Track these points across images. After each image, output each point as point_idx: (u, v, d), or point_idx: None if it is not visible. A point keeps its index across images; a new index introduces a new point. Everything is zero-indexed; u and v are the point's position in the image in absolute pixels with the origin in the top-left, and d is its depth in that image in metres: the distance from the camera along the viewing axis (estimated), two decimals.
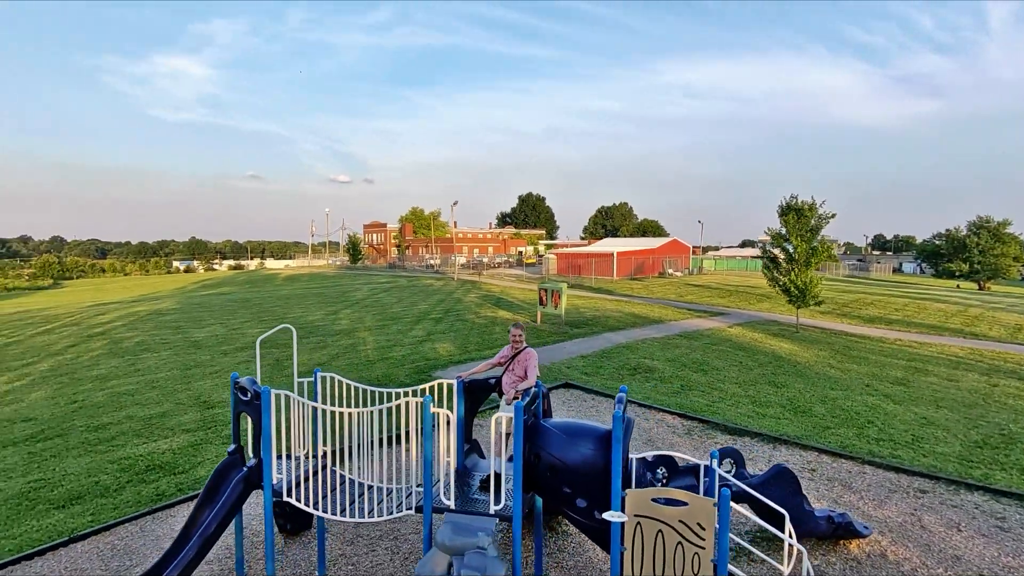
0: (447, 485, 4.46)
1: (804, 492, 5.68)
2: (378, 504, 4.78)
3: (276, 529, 5.76)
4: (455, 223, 59.48)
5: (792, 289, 18.95)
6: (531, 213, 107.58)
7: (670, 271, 44.13)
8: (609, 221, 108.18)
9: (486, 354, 14.60)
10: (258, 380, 5.14)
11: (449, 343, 16.07)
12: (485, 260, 52.78)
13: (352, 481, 5.08)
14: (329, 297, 28.43)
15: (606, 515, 3.91)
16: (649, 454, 5.19)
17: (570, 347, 15.39)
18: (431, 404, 4.30)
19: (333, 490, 4.93)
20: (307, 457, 5.21)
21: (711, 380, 12.18)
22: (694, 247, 53.31)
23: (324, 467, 5.16)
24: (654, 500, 3.85)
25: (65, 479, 7.33)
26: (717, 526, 3.70)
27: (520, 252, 62.49)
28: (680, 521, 3.86)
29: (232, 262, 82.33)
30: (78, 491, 6.95)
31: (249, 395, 4.82)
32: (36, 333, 19.82)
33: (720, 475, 4.62)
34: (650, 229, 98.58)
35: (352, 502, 4.81)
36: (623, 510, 3.89)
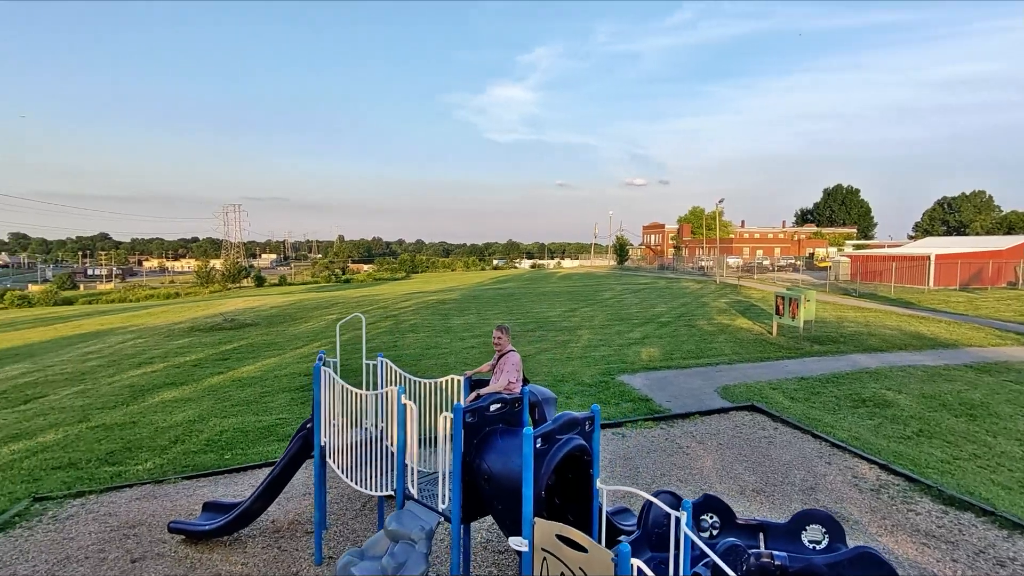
0: (416, 473, 4.57)
1: None
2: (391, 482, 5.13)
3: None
4: (743, 222, 54.86)
5: None
6: (838, 209, 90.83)
7: None
8: (953, 216, 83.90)
9: (690, 362, 13.53)
10: (337, 358, 6.19)
11: (658, 348, 15.33)
12: (766, 262, 47.17)
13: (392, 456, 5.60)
14: (578, 295, 29.85)
15: (510, 541, 3.57)
16: (660, 492, 4.37)
17: (793, 366, 12.97)
18: (402, 396, 4.53)
19: (368, 462, 5.47)
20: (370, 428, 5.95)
21: (974, 430, 8.82)
22: None
23: (377, 439, 5.81)
24: (559, 537, 3.35)
25: None
26: None
27: (810, 253, 53.56)
28: (580, 569, 3.29)
29: (531, 261, 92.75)
30: None
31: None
32: (352, 311, 26.32)
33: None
34: (1019, 224, 72.38)
35: (383, 475, 5.30)
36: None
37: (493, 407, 4.27)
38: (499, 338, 5.47)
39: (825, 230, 78.95)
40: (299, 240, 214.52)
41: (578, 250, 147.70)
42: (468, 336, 17.81)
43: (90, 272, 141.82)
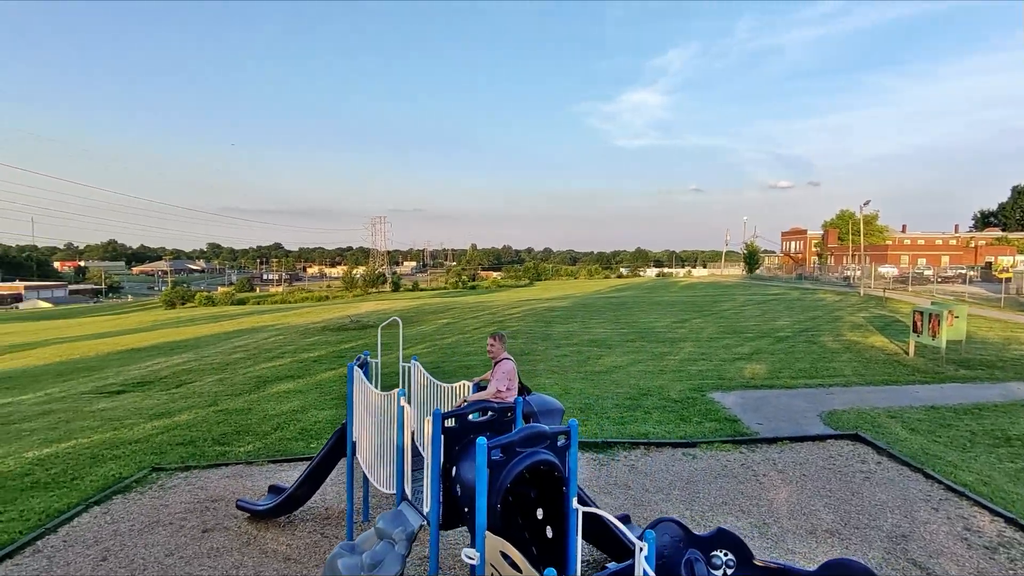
0: (411, 475, 4.63)
1: None
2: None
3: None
4: (904, 227, 48.02)
5: None
6: None
7: None
8: None
9: (798, 382, 12.22)
10: (379, 359, 6.53)
11: (765, 365, 13.99)
12: (928, 272, 40.61)
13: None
14: (694, 306, 28.16)
15: (463, 552, 3.49)
16: (662, 520, 3.99)
17: (925, 393, 11.09)
18: (402, 398, 4.64)
19: (387, 462, 5.62)
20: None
21: None
22: None
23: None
24: (503, 554, 3.22)
25: None
26: None
27: (989, 262, 44.71)
28: None
29: (658, 270, 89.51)
30: None
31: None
32: (464, 316, 27.31)
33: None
34: None
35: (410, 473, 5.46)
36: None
37: (481, 415, 4.23)
38: (491, 346, 5.40)
39: (1014, 235, 66.16)
40: (436, 248, 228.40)
41: (711, 258, 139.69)
42: (564, 344, 17.68)
43: (264, 277, 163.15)
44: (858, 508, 6.53)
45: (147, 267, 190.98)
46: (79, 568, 5.51)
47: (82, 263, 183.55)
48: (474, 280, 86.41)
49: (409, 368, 6.33)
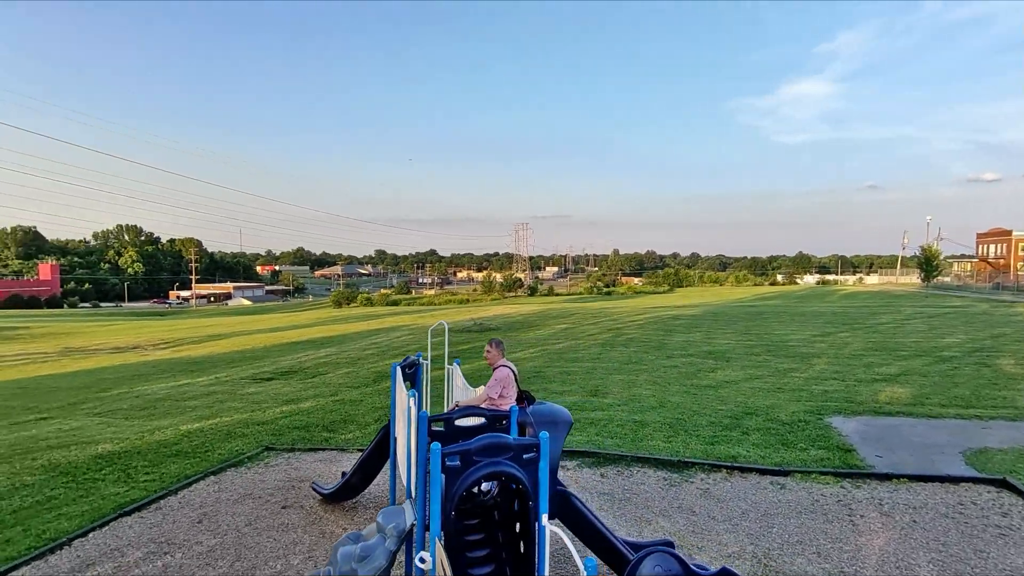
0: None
1: None
2: None
3: None
4: None
5: None
6: None
7: None
8: None
9: (947, 411, 10.29)
10: (429, 359, 6.80)
11: (911, 388, 11.95)
12: None
13: None
14: (845, 318, 24.77)
15: (416, 556, 3.50)
16: (657, 547, 3.63)
17: None
18: (410, 399, 4.76)
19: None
20: None
21: None
22: None
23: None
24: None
25: None
26: None
27: None
28: None
29: (818, 277, 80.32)
30: None
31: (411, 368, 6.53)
32: (583, 322, 26.96)
33: None
34: None
35: None
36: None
37: (473, 421, 4.23)
38: (488, 352, 5.35)
39: None
40: (578, 254, 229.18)
41: (888, 263, 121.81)
42: (677, 355, 16.74)
43: (420, 281, 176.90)
44: (978, 571, 5.34)
45: (326, 271, 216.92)
46: (179, 525, 6.52)
47: (276, 267, 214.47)
48: (612, 286, 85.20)
49: (451, 371, 6.52)
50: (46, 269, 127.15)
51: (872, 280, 70.49)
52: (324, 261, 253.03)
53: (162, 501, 7.25)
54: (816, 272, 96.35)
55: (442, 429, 4.25)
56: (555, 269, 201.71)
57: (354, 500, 7.13)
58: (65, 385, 18.07)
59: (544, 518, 3.62)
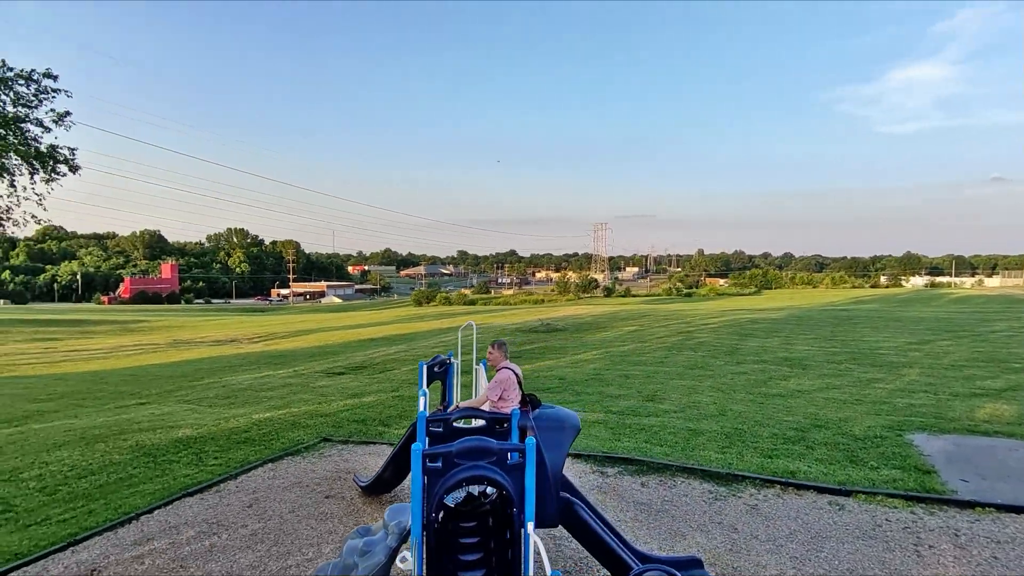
0: None
1: None
2: None
3: None
4: None
5: None
6: None
7: None
8: None
9: None
10: (458, 359, 6.84)
11: (1018, 406, 10.56)
12: None
13: None
14: (952, 324, 22.19)
15: (399, 555, 3.49)
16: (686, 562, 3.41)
17: None
18: (422, 397, 4.79)
19: None
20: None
21: None
22: None
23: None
24: None
25: None
26: None
27: None
28: None
29: (928, 279, 72.81)
30: None
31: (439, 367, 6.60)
32: (654, 324, 26.06)
33: None
34: None
35: None
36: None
37: (475, 422, 4.19)
38: (491, 354, 5.27)
39: None
40: (661, 255, 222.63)
41: (1017, 264, 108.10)
42: (749, 361, 15.81)
43: (499, 281, 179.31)
44: None
45: (410, 271, 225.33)
46: (231, 508, 6.99)
47: (366, 267, 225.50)
48: (695, 287, 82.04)
49: (477, 371, 6.53)
50: (167, 268, 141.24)
51: (993, 283, 62.96)
52: (409, 261, 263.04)
53: (222, 485, 7.81)
54: (926, 274, 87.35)
55: (440, 429, 4.25)
56: (635, 270, 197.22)
57: (391, 493, 7.32)
58: (167, 374, 19.97)
59: (530, 526, 3.52)
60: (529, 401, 4.78)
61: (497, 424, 4.30)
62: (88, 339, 37.39)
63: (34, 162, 9.03)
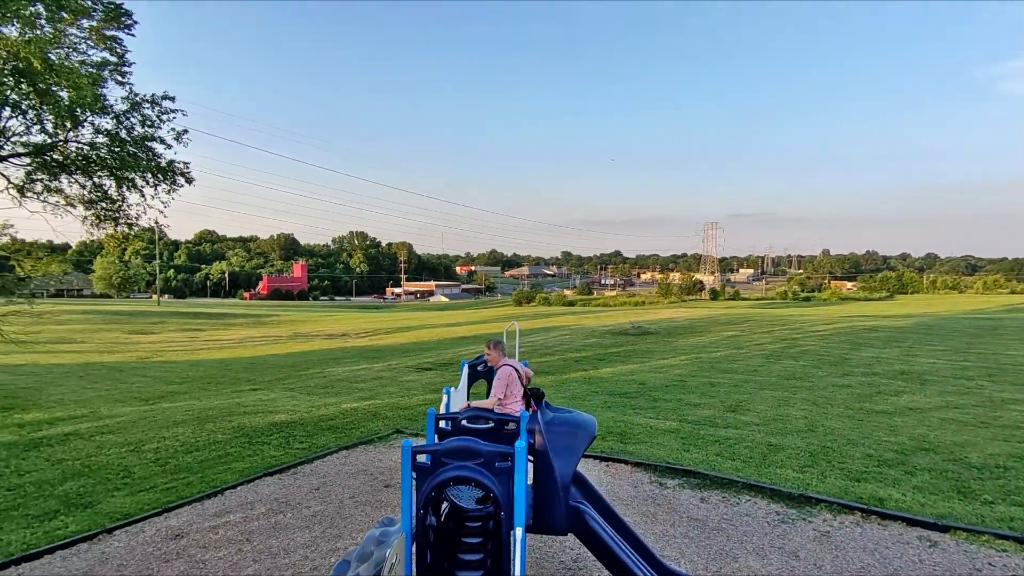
0: None
1: None
2: None
3: None
4: None
5: None
6: None
7: None
8: None
9: None
10: (515, 358, 6.83)
11: None
12: None
13: None
14: None
15: (388, 550, 3.55)
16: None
17: None
18: (445, 395, 4.83)
19: None
20: None
21: None
22: None
23: None
24: None
25: None
26: None
27: None
28: None
29: None
30: None
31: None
32: (757, 329, 24.25)
33: None
34: None
35: None
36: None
37: (480, 423, 4.17)
38: (488, 354, 5.21)
39: None
40: (779, 255, 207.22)
41: None
42: (857, 373, 14.29)
43: (602, 282, 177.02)
44: None
45: (514, 271, 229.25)
46: (301, 490, 7.56)
47: (472, 268, 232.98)
48: (816, 291, 75.39)
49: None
50: (298, 268, 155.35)
51: None
52: (514, 262, 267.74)
53: (298, 468, 8.48)
54: None
55: (448, 427, 4.31)
56: (750, 271, 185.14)
57: None
58: (280, 363, 22.01)
59: (518, 531, 3.47)
60: (531, 396, 4.68)
61: (505, 425, 4.28)
62: (225, 330, 42.17)
63: (159, 175, 10.46)
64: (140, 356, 25.62)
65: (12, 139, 10.17)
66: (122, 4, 11.41)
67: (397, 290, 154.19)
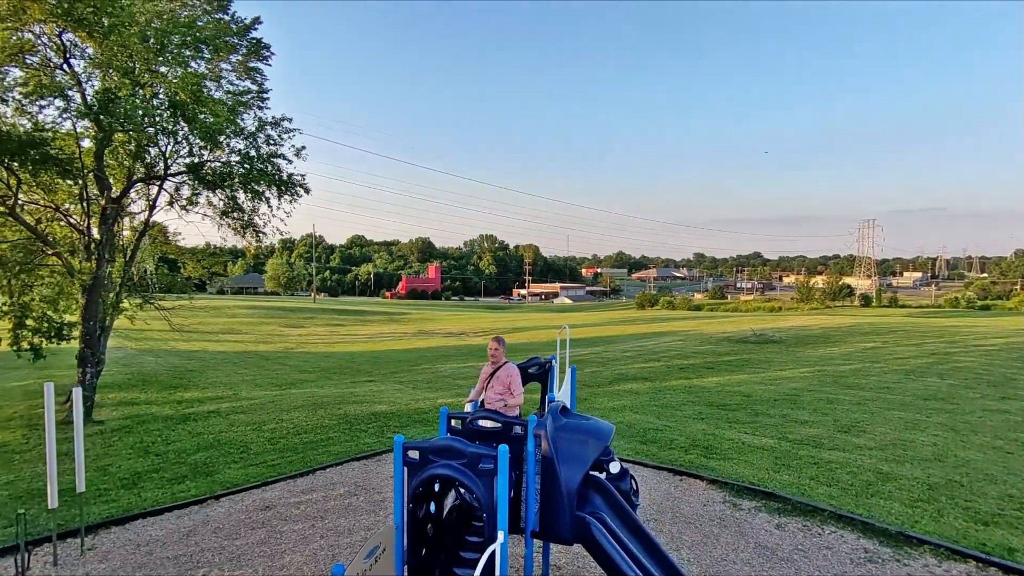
0: None
1: None
2: None
3: None
4: None
5: None
6: None
7: None
8: None
9: None
10: (566, 359, 6.79)
11: None
12: None
13: None
14: None
15: (379, 544, 3.71)
16: None
17: None
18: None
19: None
20: None
21: None
22: None
23: None
24: None
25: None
26: None
27: None
28: None
29: None
30: None
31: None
32: (904, 341, 21.13)
33: None
34: None
35: None
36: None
37: (488, 424, 4.20)
38: (495, 349, 5.13)
39: None
40: (957, 256, 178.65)
41: None
42: (1011, 397, 12.02)
43: (738, 285, 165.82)
44: None
45: (641, 274, 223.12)
46: (378, 476, 8.14)
47: (598, 270, 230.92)
48: (1002, 298, 64.02)
49: (567, 374, 6.49)
50: (432, 269, 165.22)
51: None
52: (641, 264, 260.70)
53: (382, 455, 9.12)
54: None
55: (460, 427, 4.42)
56: (917, 275, 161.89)
57: None
58: (399, 358, 23.67)
59: (501, 535, 3.48)
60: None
61: (511, 428, 4.26)
62: (362, 326, 46.17)
63: (281, 188, 11.91)
64: (287, 347, 29.01)
65: (176, 161, 12.20)
66: (262, 38, 13.14)
67: (523, 291, 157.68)
